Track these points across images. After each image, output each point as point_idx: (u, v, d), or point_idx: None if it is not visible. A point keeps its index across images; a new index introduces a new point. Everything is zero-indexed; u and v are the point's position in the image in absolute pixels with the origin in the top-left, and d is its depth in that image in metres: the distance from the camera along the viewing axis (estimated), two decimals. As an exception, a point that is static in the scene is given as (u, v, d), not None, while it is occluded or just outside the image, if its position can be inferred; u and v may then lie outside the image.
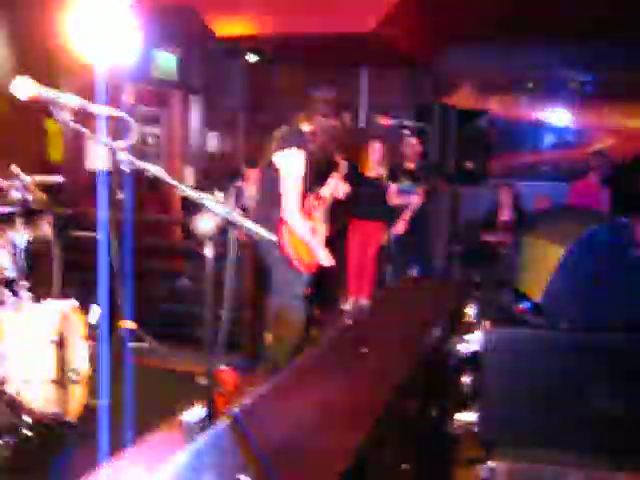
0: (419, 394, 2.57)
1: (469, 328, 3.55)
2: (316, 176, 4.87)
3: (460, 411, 3.36)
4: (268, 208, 4.57)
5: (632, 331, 3.34)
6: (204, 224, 2.32)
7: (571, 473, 3.34)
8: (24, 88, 2.12)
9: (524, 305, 3.77)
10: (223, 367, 4.51)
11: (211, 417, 2.48)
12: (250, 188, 7.04)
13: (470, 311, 3.77)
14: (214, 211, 2.31)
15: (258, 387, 2.08)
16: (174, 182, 2.35)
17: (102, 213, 4.39)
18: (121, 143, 2.23)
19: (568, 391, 3.34)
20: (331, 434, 1.79)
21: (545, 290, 3.49)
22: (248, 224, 2.41)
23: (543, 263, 3.62)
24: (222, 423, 1.81)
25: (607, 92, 9.26)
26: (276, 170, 4.50)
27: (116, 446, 3.61)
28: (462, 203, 6.73)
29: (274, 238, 4.26)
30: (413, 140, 7.40)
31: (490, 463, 3.38)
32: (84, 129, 2.20)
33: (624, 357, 3.33)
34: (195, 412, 2.47)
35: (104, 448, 3.18)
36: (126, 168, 2.25)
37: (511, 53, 8.87)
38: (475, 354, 3.33)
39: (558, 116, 9.89)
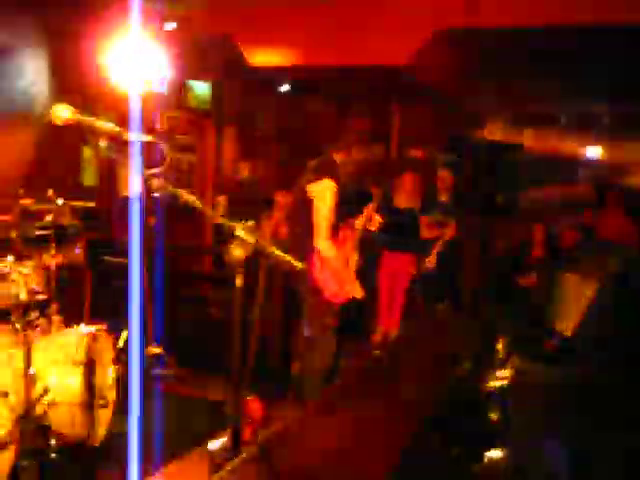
0: (448, 428, 2.54)
1: (499, 363, 3.50)
2: (349, 207, 4.87)
3: (489, 446, 3.31)
4: (301, 238, 4.57)
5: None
6: (235, 252, 2.32)
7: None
8: (61, 114, 2.16)
9: (554, 341, 3.71)
10: (251, 396, 4.49)
11: (237, 446, 2.47)
12: (280, 214, 7.06)
13: (500, 346, 3.73)
14: (245, 240, 2.31)
15: (285, 417, 2.06)
16: (206, 210, 2.36)
17: (134, 239, 4.42)
18: (154, 170, 2.25)
19: (598, 428, 3.28)
20: (357, 465, 1.77)
21: (576, 327, 3.44)
22: (279, 253, 2.41)
23: (575, 298, 3.57)
24: (248, 453, 1.80)
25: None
26: (309, 200, 4.50)
27: (142, 474, 3.61)
28: (494, 236, 6.68)
29: (305, 268, 4.26)
30: (445, 173, 7.39)
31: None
32: (118, 155, 2.22)
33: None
34: (221, 441, 2.46)
35: (131, 474, 3.16)
36: (159, 195, 2.27)
37: (543, 86, 8.84)
38: (505, 389, 3.28)
39: (591, 150, 9.82)
